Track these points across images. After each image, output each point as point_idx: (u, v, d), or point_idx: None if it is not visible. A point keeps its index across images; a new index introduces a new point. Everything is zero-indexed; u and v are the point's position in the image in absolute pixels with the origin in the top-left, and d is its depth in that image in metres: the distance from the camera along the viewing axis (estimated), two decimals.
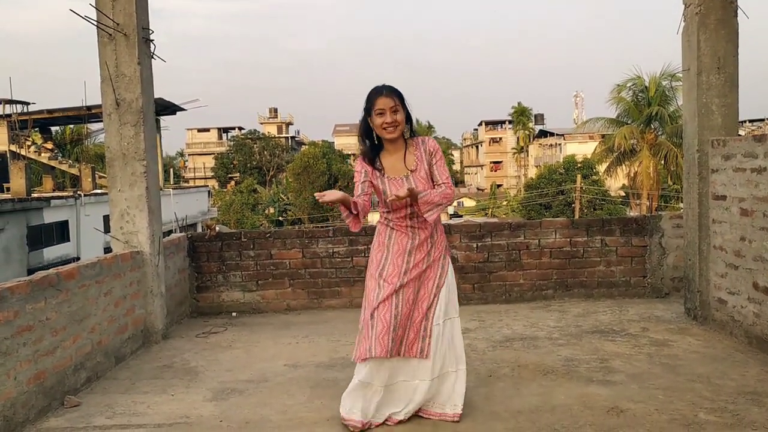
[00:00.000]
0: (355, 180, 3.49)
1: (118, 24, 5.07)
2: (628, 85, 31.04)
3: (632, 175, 31.78)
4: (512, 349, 4.87)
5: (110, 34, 5.09)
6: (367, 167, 3.44)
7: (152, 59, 5.46)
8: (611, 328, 5.37)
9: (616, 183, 36.80)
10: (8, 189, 22.10)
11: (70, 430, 3.57)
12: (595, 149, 35.33)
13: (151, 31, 5.38)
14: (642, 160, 30.33)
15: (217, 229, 6.74)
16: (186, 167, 71.29)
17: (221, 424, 3.61)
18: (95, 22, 5.04)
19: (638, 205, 32.05)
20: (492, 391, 3.97)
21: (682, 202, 5.95)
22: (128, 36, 5.10)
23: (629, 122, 31.24)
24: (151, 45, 5.40)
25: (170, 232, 6.83)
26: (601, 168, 34.76)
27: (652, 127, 30.55)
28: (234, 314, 6.48)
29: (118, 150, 5.26)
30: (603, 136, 36.47)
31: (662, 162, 30.20)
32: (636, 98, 31.18)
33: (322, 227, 6.71)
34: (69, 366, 4.08)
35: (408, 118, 3.38)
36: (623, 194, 37.41)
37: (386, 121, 3.30)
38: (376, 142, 3.43)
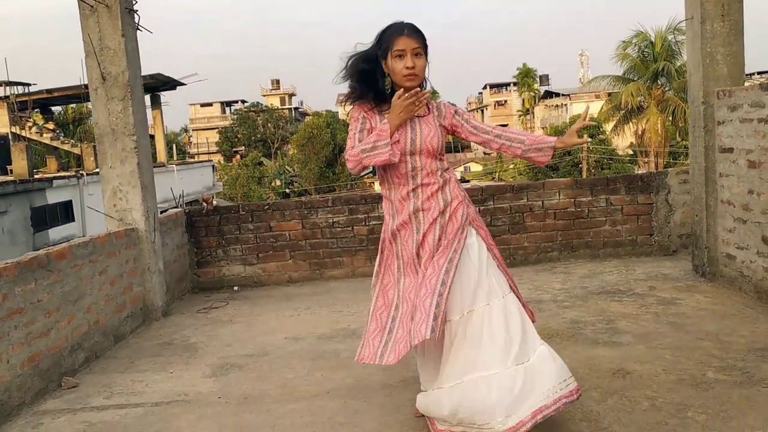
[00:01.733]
0: (351, 129, 2.77)
1: None
2: (633, 41, 30.44)
3: (640, 132, 31.38)
4: None
5: (92, 6, 4.93)
6: (368, 113, 2.78)
7: (137, 31, 5.31)
8: (618, 288, 5.27)
9: (623, 141, 36.36)
10: (11, 171, 22.06)
11: (68, 411, 3.53)
12: (602, 108, 34.83)
13: (134, 2, 5.21)
14: (649, 117, 29.89)
15: (215, 202, 6.64)
16: (191, 143, 71.09)
17: (219, 400, 3.55)
18: None
19: (646, 163, 31.68)
20: None
21: None
22: (110, 7, 4.94)
23: (636, 79, 30.70)
24: (135, 16, 5.24)
25: (173, 208, 6.74)
26: (608, 127, 34.30)
27: (659, 82, 30.03)
28: (236, 288, 6.42)
29: (107, 126, 5.14)
30: (609, 94, 35.90)
31: (670, 118, 29.74)
32: (642, 54, 30.59)
33: (321, 197, 6.61)
34: (65, 347, 4.02)
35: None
36: (631, 153, 37.01)
37: (407, 65, 2.65)
38: (389, 90, 2.74)
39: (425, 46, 2.72)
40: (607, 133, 35.10)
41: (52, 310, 3.90)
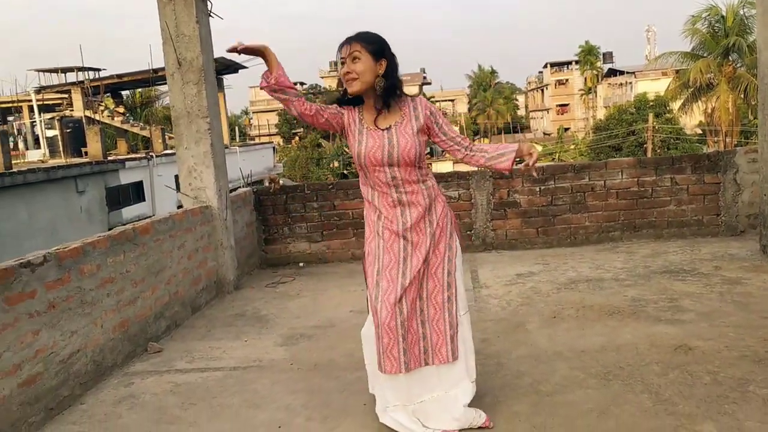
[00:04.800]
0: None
1: None
2: (703, 15, 29.21)
3: (709, 111, 30.21)
4: (577, 291, 4.84)
5: None
6: (345, 109, 2.80)
7: (210, 17, 5.55)
8: (682, 268, 5.24)
9: (692, 120, 35.11)
10: (86, 153, 23.14)
11: (155, 373, 3.82)
12: (669, 86, 33.66)
13: None
14: (720, 94, 28.73)
15: (281, 182, 6.89)
16: (251, 125, 72.46)
17: (291, 366, 3.77)
18: None
19: (716, 143, 30.54)
20: (556, 332, 3.98)
21: None
22: None
23: (705, 55, 29.53)
24: (208, 3, 5.48)
25: (239, 188, 7.04)
26: (676, 105, 33.14)
27: (730, 59, 28.79)
28: (301, 264, 6.67)
29: (183, 108, 5.41)
30: (677, 71, 34.65)
31: (742, 96, 28.52)
32: (712, 29, 29.35)
33: None
34: (150, 315, 4.33)
35: (390, 70, 2.69)
36: (699, 132, 35.70)
37: (344, 71, 2.68)
38: (346, 96, 2.76)
39: (374, 51, 2.66)
40: (675, 111, 33.95)
41: (138, 280, 4.20)
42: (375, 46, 2.67)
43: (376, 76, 2.67)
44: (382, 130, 2.72)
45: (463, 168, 5.57)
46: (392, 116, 2.74)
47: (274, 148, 36.09)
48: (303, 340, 4.26)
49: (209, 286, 5.39)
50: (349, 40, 2.67)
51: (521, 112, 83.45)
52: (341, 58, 2.69)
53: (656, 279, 4.99)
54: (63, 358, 3.39)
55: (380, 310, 2.67)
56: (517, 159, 2.81)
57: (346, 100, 2.77)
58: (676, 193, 6.41)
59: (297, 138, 61.06)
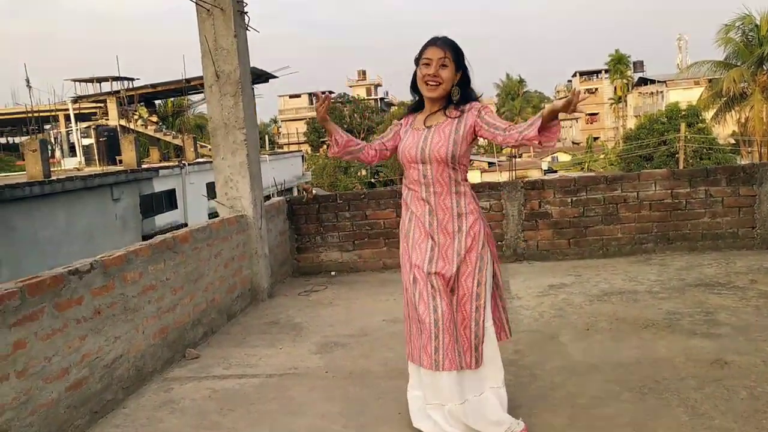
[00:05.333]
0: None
1: None
2: (736, 24, 28.78)
3: (743, 121, 29.71)
4: (610, 303, 4.82)
5: (208, 10, 5.33)
6: (402, 121, 2.99)
7: (247, 31, 5.68)
8: (717, 281, 5.20)
9: (725, 130, 34.54)
10: (120, 161, 23.62)
11: (193, 379, 3.91)
12: (701, 95, 33.20)
13: (245, 4, 5.58)
14: (754, 104, 28.23)
15: (314, 192, 6.99)
16: (279, 133, 73.17)
17: (327, 374, 3.83)
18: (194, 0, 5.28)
19: (750, 153, 30.01)
20: (590, 344, 3.98)
21: None
22: (224, 10, 5.32)
23: (739, 64, 29.08)
24: (246, 17, 5.61)
25: (269, 196, 7.16)
26: (708, 115, 32.66)
27: (765, 68, 28.29)
28: (333, 273, 6.75)
29: (220, 120, 5.54)
30: (710, 80, 34.15)
31: None
32: (746, 38, 28.90)
33: None
34: (188, 322, 4.44)
35: (464, 80, 2.79)
36: (733, 142, 35.09)
37: (428, 73, 2.72)
38: (416, 98, 2.91)
39: (457, 59, 2.74)
40: (707, 121, 33.45)
41: (177, 288, 4.31)
42: (459, 56, 2.76)
43: (452, 85, 2.76)
44: (424, 128, 2.81)
45: (494, 178, 5.60)
46: (440, 117, 2.81)
47: (303, 156, 36.40)
48: (337, 348, 4.32)
49: (244, 293, 5.49)
50: (441, 45, 2.73)
51: None
52: (426, 58, 2.73)
53: (691, 292, 4.95)
54: (107, 363, 3.49)
55: (417, 305, 2.76)
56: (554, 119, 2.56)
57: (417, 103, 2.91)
58: (710, 205, 6.35)
59: (325, 146, 61.46)
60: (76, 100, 31.72)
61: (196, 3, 5.29)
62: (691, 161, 32.30)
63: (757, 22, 28.29)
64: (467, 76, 2.81)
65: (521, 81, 75.94)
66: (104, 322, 3.48)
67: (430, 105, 2.85)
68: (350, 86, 74.53)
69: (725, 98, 29.64)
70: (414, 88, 2.88)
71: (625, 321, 4.37)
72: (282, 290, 6.16)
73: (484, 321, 2.80)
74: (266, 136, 50.75)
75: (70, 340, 3.19)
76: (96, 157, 27.50)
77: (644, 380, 3.35)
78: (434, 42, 2.75)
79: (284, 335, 4.72)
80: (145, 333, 3.88)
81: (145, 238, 16.00)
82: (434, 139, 2.75)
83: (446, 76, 2.73)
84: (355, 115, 62.46)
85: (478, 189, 6.66)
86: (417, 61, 2.80)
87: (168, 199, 19.18)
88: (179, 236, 4.40)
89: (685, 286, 5.12)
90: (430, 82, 2.74)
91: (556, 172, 46.99)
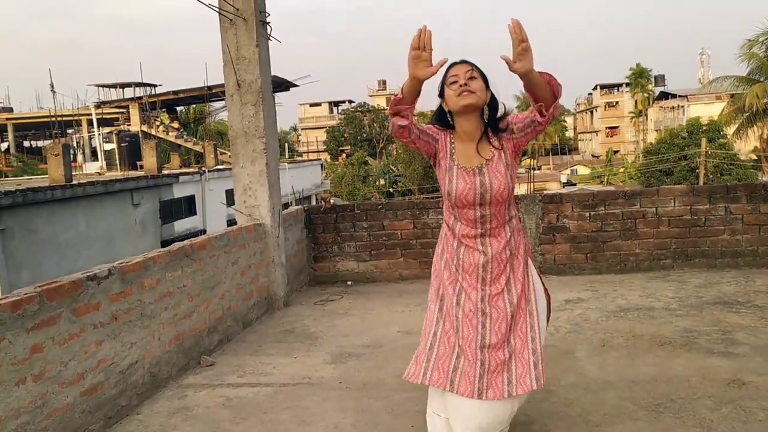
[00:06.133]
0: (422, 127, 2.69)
1: (237, 9, 5.35)
2: (760, 39, 28.51)
3: (765, 136, 29.38)
4: (627, 320, 4.78)
5: (231, 20, 5.39)
6: (440, 134, 2.69)
7: (269, 41, 5.74)
8: (735, 299, 5.13)
9: (746, 146, 34.16)
10: (141, 167, 23.91)
11: (207, 386, 3.94)
12: (723, 110, 32.88)
13: (267, 14, 5.64)
14: None
15: (332, 201, 7.02)
16: (299, 141, 73.64)
17: (341, 385, 3.84)
18: (217, 9, 5.35)
19: None
20: (605, 360, 3.95)
21: None
22: (247, 20, 5.39)
23: (762, 79, 28.78)
24: (267, 27, 5.67)
25: (287, 204, 7.21)
26: (730, 130, 32.33)
27: None
28: (349, 283, 6.76)
29: (240, 128, 5.59)
30: (732, 95, 33.82)
31: None
32: None
33: (432, 198, 6.82)
34: (204, 329, 4.47)
35: (492, 104, 2.63)
36: (755, 158, 34.68)
37: (459, 83, 2.55)
38: (451, 121, 2.68)
39: (483, 77, 2.60)
40: (729, 136, 33.12)
41: (194, 295, 4.35)
42: (485, 75, 2.63)
43: (484, 102, 2.60)
44: (473, 169, 2.61)
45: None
46: (485, 148, 2.63)
47: (322, 164, 36.58)
48: (352, 358, 4.33)
49: (260, 301, 5.52)
50: (463, 63, 2.61)
51: (569, 133, 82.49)
52: (453, 75, 2.59)
53: (709, 310, 4.90)
54: (122, 368, 3.53)
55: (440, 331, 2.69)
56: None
57: (443, 119, 2.69)
58: (730, 222, 6.28)
59: (344, 155, 61.71)
60: (99, 105, 32.18)
61: (219, 12, 5.36)
62: (711, 176, 31.97)
63: None
64: (495, 100, 2.64)
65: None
66: (121, 327, 3.52)
67: (466, 125, 2.63)
68: (370, 95, 74.85)
69: (747, 113, 29.34)
70: (440, 120, 2.71)
71: (641, 338, 4.33)
72: (298, 299, 6.18)
73: (540, 337, 2.66)
74: (286, 144, 51.09)
75: (86, 345, 3.23)
76: (117, 162, 27.87)
77: (659, 398, 3.32)
78: (455, 62, 2.63)
79: (299, 344, 4.73)
80: (161, 339, 3.92)
81: (164, 243, 16.17)
82: (494, 183, 2.59)
83: (478, 87, 2.56)
84: (375, 124, 62.68)
85: None
86: (441, 91, 2.65)
87: (187, 205, 19.36)
88: (197, 243, 4.44)
89: (703, 304, 5.06)
90: (465, 90, 2.54)
91: (575, 184, 46.73)
